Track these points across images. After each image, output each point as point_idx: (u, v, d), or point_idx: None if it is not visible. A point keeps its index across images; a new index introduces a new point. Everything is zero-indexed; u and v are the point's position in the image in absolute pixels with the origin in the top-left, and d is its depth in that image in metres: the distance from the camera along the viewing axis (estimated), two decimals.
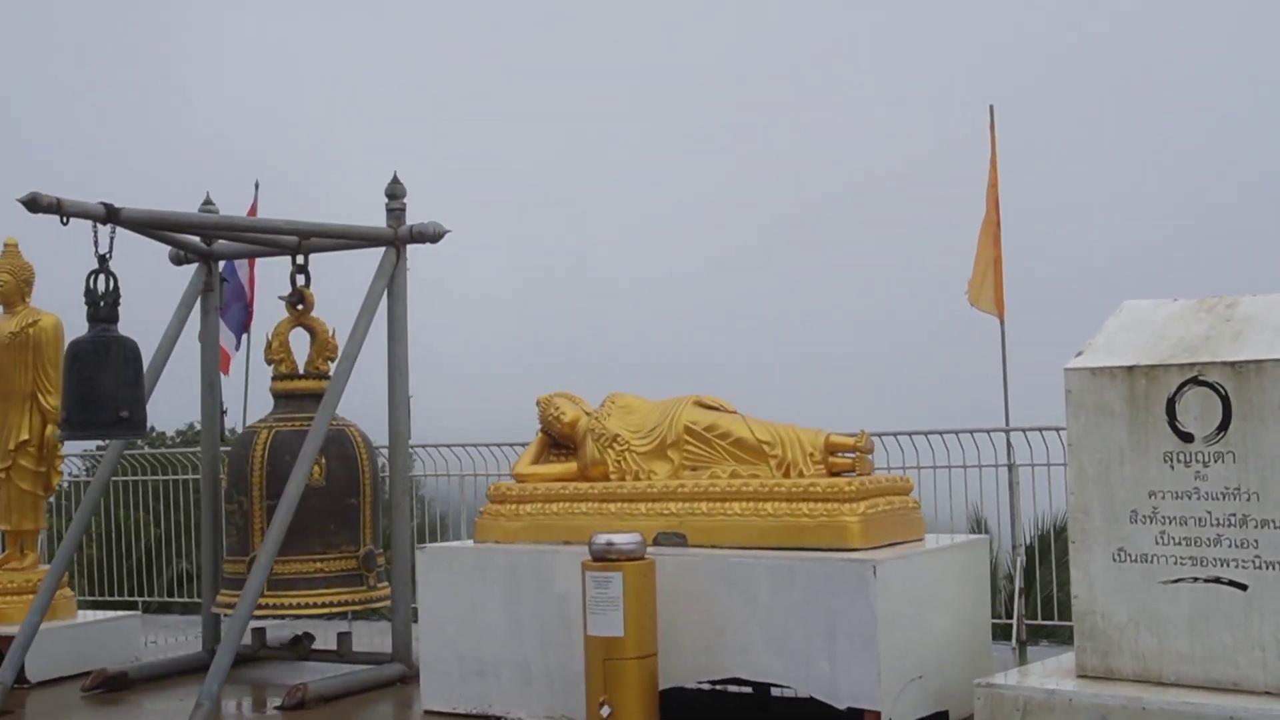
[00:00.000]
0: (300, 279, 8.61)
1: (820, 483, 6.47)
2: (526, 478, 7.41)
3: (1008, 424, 9.14)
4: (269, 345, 8.62)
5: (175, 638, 10.70)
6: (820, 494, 6.44)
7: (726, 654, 6.34)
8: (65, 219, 7.12)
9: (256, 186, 11.37)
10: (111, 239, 7.31)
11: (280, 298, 8.64)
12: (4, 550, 9.02)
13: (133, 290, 7.24)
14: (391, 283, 8.21)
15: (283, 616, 8.34)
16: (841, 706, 6.05)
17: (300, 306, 8.64)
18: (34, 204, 6.86)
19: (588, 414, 7.47)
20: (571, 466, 7.40)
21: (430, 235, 8.25)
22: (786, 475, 6.72)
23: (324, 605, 8.14)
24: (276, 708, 7.34)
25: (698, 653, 6.38)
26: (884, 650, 5.95)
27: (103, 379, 7.13)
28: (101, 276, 7.28)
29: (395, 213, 8.34)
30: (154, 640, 10.32)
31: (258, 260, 10.40)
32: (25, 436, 8.71)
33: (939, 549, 6.65)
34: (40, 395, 8.75)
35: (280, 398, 8.58)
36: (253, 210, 11.76)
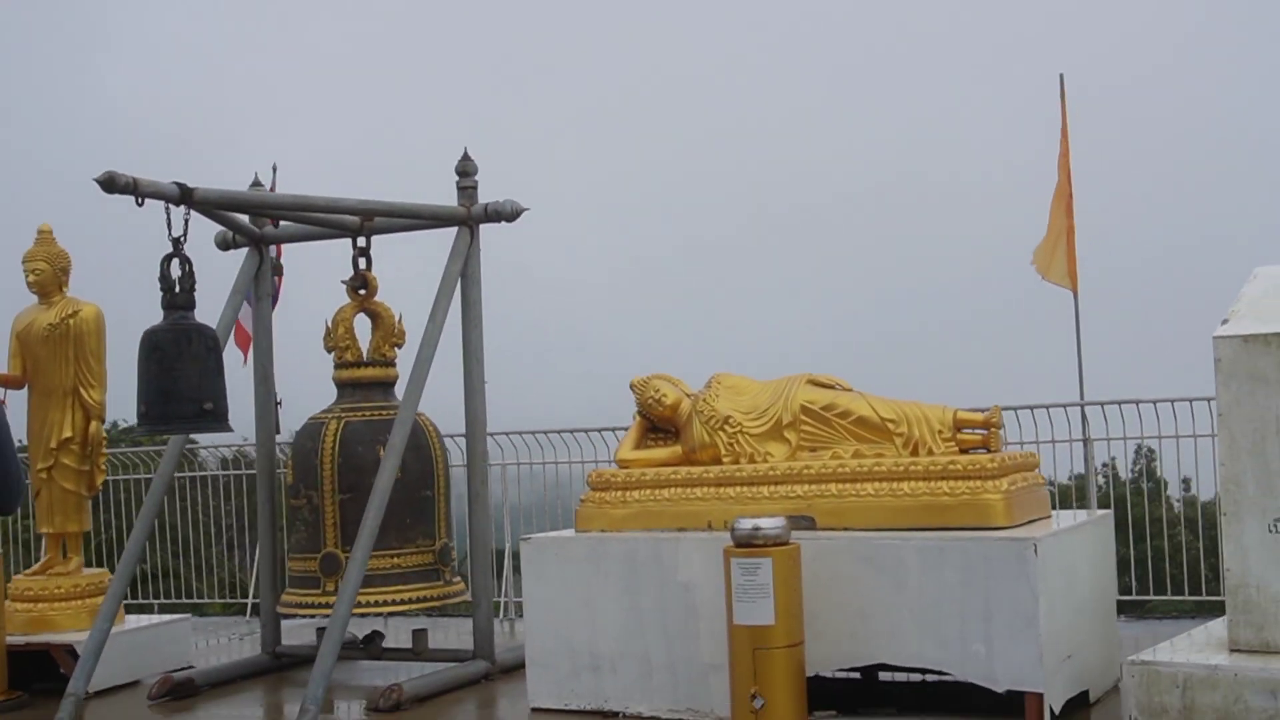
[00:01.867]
0: (361, 262, 8.22)
1: (960, 460, 6.26)
2: (630, 463, 7.11)
3: (1082, 398, 9.01)
4: (330, 332, 8.21)
5: (215, 639, 10.24)
6: (961, 471, 6.23)
7: (872, 640, 6.11)
8: (140, 200, 6.71)
9: (274, 169, 10.89)
10: (186, 222, 6.91)
11: (342, 282, 8.24)
12: (45, 554, 8.52)
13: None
14: (465, 264, 7.86)
15: (360, 615, 7.94)
16: (1000, 690, 5.86)
17: (363, 291, 8.25)
18: (110, 183, 6.45)
19: (688, 396, 7.21)
20: (675, 450, 7.12)
21: (507, 214, 7.91)
22: (915, 454, 6.51)
23: (402, 602, 7.78)
24: (371, 710, 6.97)
25: (840, 639, 6.14)
26: (1044, 630, 5.77)
27: (184, 370, 6.72)
28: (176, 261, 6.88)
29: (467, 191, 7.99)
30: (200, 643, 9.83)
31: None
32: (68, 434, 8.22)
33: (1079, 525, 6.48)
34: (82, 390, 8.27)
35: (345, 387, 8.18)
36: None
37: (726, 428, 6.93)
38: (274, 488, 8.56)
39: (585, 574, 6.75)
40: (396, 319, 8.20)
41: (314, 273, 8.61)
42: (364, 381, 8.14)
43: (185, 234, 6.88)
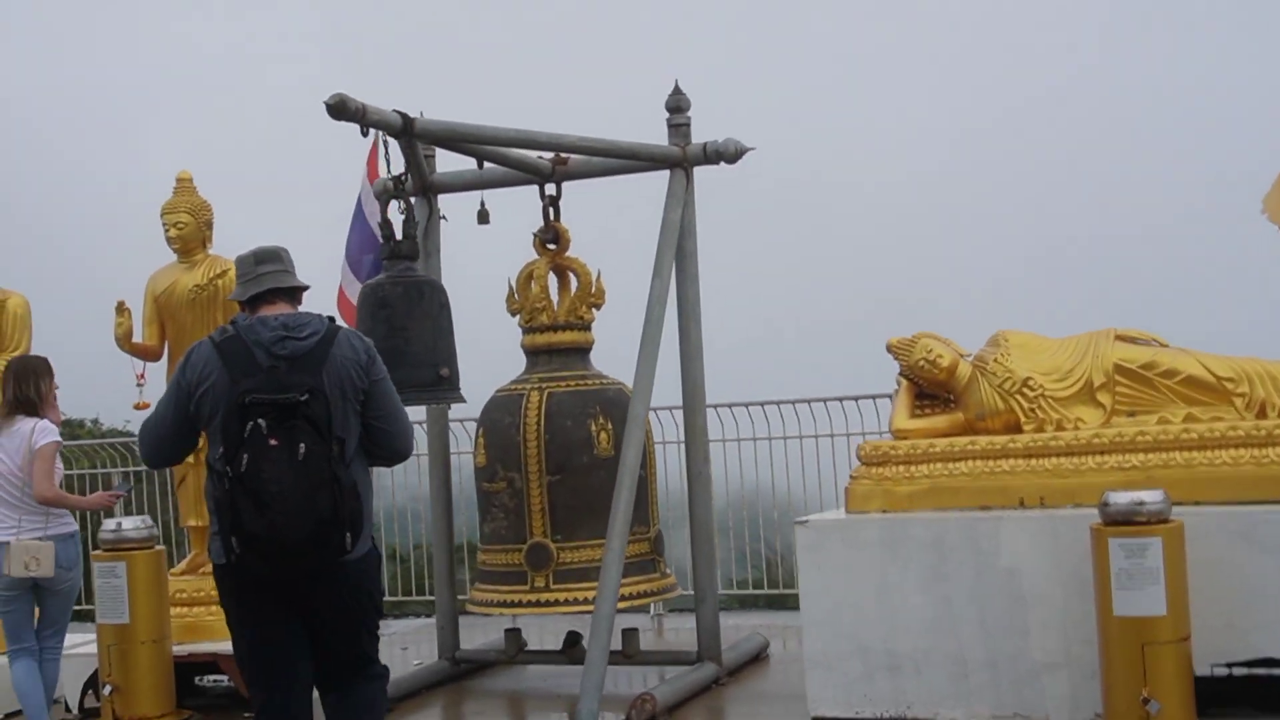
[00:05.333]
0: (551, 212, 7.25)
1: None
2: (909, 433, 6.22)
3: None
4: (517, 291, 7.23)
5: None
6: None
7: (1257, 631, 5.26)
8: (365, 129, 5.76)
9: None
10: (409, 158, 5.94)
11: (535, 234, 7.25)
12: (191, 550, 7.46)
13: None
14: (683, 213, 6.91)
15: (572, 614, 6.98)
16: None
17: (554, 245, 7.28)
18: (341, 108, 5.51)
19: (963, 356, 6.33)
20: (956, 418, 6.24)
21: (729, 154, 6.96)
22: (1262, 416, 5.69)
23: (621, 598, 6.80)
24: None
25: (1215, 631, 5.27)
26: None
27: (417, 330, 5.77)
28: (397, 204, 5.93)
29: (680, 129, 7.04)
30: None
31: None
32: None
33: None
34: None
35: (538, 354, 7.19)
36: (373, 155, 10.18)
37: (1026, 391, 6.05)
38: (448, 472, 7.55)
39: (879, 561, 5.85)
40: (594, 276, 7.23)
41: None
42: (561, 347, 7.16)
43: (408, 171, 5.92)
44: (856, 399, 8.68)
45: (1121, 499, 5.09)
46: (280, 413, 3.86)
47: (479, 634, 8.04)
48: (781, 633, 8.08)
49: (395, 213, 5.97)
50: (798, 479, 8.77)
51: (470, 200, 7.50)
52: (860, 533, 5.92)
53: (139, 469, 10.48)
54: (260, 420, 3.83)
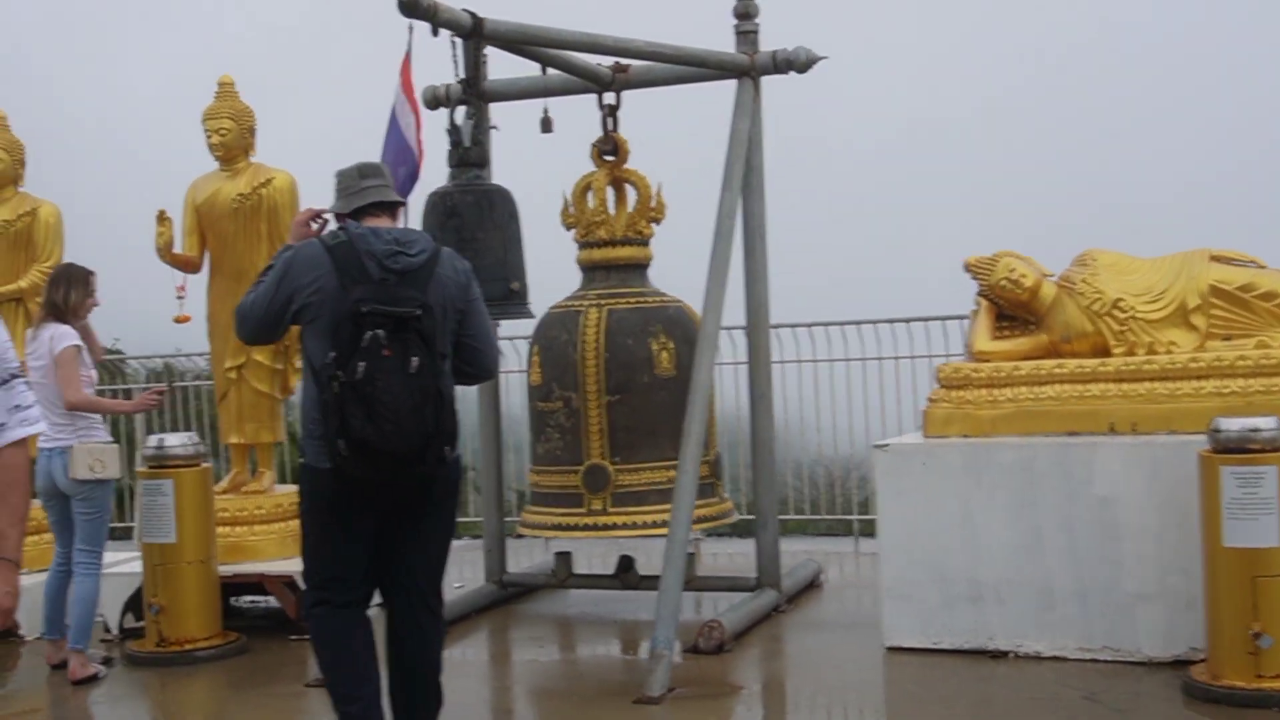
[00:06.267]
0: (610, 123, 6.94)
1: None
2: (991, 355, 5.98)
3: None
4: (572, 204, 6.94)
5: None
6: None
7: None
8: (436, 29, 5.46)
9: (410, 29, 9.40)
10: (477, 60, 5.62)
11: (593, 145, 6.95)
12: (232, 468, 7.22)
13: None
14: (750, 124, 6.61)
15: (635, 538, 6.78)
16: None
17: (613, 157, 6.97)
18: (413, 5, 5.25)
19: (1046, 276, 6.07)
20: (1040, 340, 5.99)
21: (800, 64, 6.64)
22: None
23: None
24: (690, 651, 5.83)
25: None
26: None
27: (487, 241, 5.51)
28: (465, 109, 5.64)
29: (748, 36, 6.71)
30: None
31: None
32: None
33: None
34: None
35: (595, 269, 6.92)
36: (407, 61, 9.77)
37: (1115, 312, 5.81)
38: (496, 391, 7.30)
39: (963, 487, 5.63)
40: (655, 189, 6.93)
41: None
42: (619, 263, 6.88)
43: (478, 74, 5.60)
44: (924, 320, 8.47)
45: (1233, 425, 4.86)
46: (396, 324, 3.92)
47: (524, 557, 7.83)
48: (837, 559, 7.89)
49: (463, 118, 5.66)
50: (859, 403, 8.54)
51: (520, 110, 7.19)
52: (943, 458, 5.70)
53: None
54: (379, 330, 3.88)
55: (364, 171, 4.25)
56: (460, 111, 5.66)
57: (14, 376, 2.99)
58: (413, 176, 8.38)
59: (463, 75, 5.60)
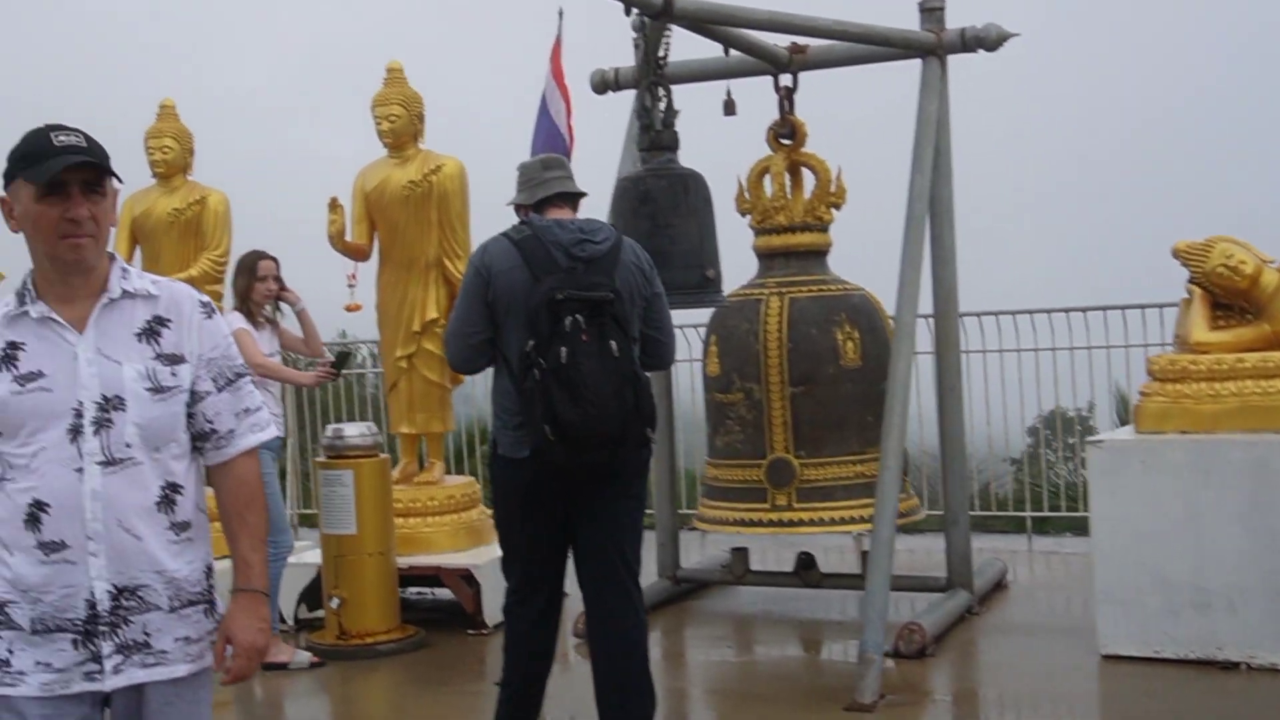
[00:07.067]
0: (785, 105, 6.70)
1: None
2: (1210, 346, 5.63)
3: None
4: (748, 189, 6.70)
5: None
6: None
7: None
8: (629, 8, 5.26)
9: (560, 15, 9.24)
10: (666, 42, 5.41)
11: (769, 128, 6.71)
12: (401, 458, 7.10)
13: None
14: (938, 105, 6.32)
15: (818, 534, 6.56)
16: None
17: (790, 140, 6.73)
18: None
19: (1266, 262, 5.70)
20: (1262, 330, 5.63)
21: (990, 42, 6.33)
22: None
23: (867, 520, 6.32)
24: (892, 654, 5.58)
25: None
26: None
27: (683, 226, 5.32)
28: (655, 90, 5.43)
29: (933, 13, 6.41)
30: None
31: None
32: (433, 315, 6.76)
33: None
34: (447, 261, 6.80)
35: (773, 256, 6.67)
36: (557, 46, 9.63)
37: None
38: (668, 379, 7.11)
39: (1188, 487, 5.30)
40: (835, 174, 6.67)
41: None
42: (799, 250, 6.63)
43: (666, 54, 5.39)
44: (1122, 309, 8.10)
45: None
46: (591, 310, 3.96)
47: (693, 552, 7.63)
48: (1011, 558, 7.57)
49: (654, 100, 5.45)
50: (1049, 394, 8.21)
51: (688, 92, 6.96)
52: (1163, 455, 5.37)
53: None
54: (577, 316, 3.92)
55: (547, 164, 4.33)
56: (653, 94, 5.44)
57: (239, 375, 2.72)
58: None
59: (655, 57, 5.38)
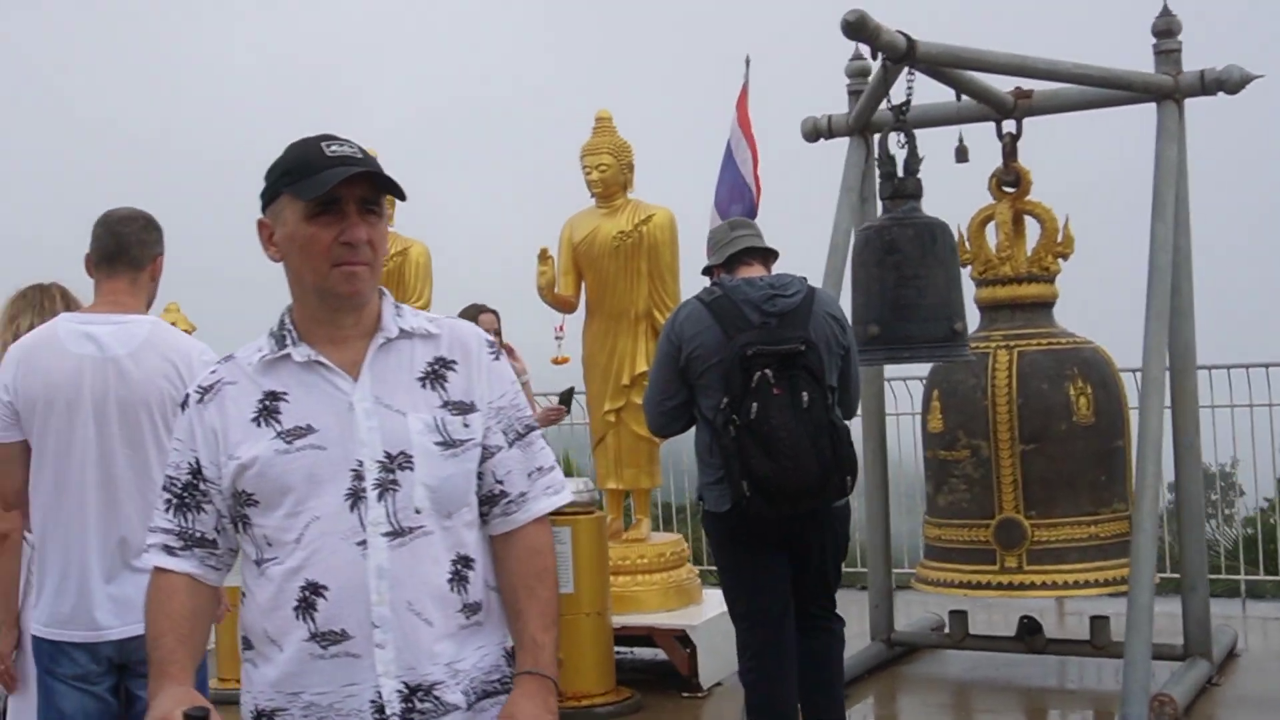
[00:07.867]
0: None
1: None
2: None
3: None
4: (969, 239, 6.50)
5: None
6: None
7: None
8: (875, 52, 5.12)
9: (747, 63, 9.15)
10: (910, 86, 5.25)
11: (992, 176, 6.51)
12: (608, 515, 6.98)
13: None
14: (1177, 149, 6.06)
15: (1050, 597, 6.30)
16: None
17: (1014, 188, 6.51)
18: (860, 26, 4.91)
19: None
20: None
21: (1232, 84, 6.06)
22: None
23: (1105, 583, 6.06)
24: None
25: None
26: None
27: (931, 278, 5.12)
28: (898, 136, 5.26)
29: (1169, 55, 6.16)
30: None
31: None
32: (643, 368, 6.65)
33: None
34: (658, 312, 6.70)
35: (999, 308, 6.45)
36: (743, 95, 9.50)
37: None
38: (883, 431, 6.91)
39: None
40: (1062, 223, 6.43)
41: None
42: (1024, 301, 6.41)
43: (909, 100, 5.23)
44: None
45: None
46: (782, 363, 4.08)
47: (901, 614, 7.38)
48: (1242, 623, 7.18)
49: (895, 146, 5.29)
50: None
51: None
52: None
53: None
54: (766, 370, 4.04)
55: (734, 225, 4.54)
56: (893, 140, 5.29)
57: (529, 429, 2.32)
58: (750, 214, 8.11)
59: (899, 102, 5.22)
